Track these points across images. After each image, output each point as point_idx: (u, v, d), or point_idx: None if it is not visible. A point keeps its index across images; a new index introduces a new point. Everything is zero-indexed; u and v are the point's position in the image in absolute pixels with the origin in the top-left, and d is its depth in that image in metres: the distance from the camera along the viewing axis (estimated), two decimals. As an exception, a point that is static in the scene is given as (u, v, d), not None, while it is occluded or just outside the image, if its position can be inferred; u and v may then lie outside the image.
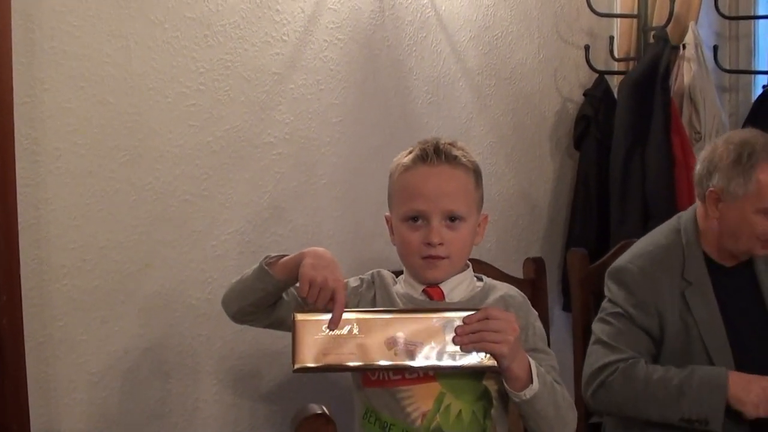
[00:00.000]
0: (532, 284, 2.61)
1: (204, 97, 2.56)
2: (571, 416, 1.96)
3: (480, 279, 2.13)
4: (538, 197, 3.55)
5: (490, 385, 1.95)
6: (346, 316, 1.81)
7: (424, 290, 2.04)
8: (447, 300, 2.02)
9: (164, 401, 2.55)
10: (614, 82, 3.61)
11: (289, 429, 1.58)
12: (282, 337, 2.61)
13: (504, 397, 1.95)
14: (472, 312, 1.82)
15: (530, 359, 1.86)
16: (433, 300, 2.02)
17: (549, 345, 2.50)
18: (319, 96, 2.81)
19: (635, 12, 3.58)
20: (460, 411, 1.92)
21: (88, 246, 2.38)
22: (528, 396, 1.83)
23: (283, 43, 2.71)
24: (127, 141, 2.43)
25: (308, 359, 1.79)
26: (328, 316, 1.80)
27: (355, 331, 1.80)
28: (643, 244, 2.55)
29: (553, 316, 3.30)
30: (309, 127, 2.78)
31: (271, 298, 1.98)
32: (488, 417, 1.95)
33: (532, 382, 1.83)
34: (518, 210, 3.47)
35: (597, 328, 2.46)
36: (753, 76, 3.94)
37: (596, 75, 3.56)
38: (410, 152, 2.04)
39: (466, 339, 1.80)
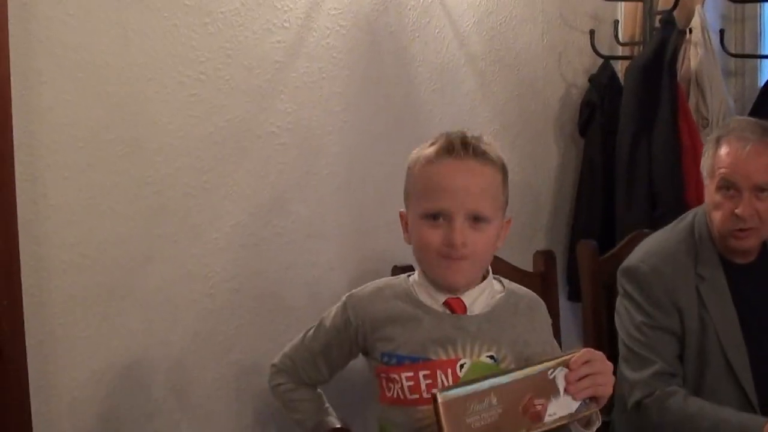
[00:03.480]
0: (542, 277, 2.58)
1: (204, 86, 2.50)
2: None
3: (499, 281, 2.02)
4: (542, 184, 3.52)
5: None
6: (481, 387, 1.66)
7: (445, 302, 1.92)
8: (469, 313, 1.91)
9: (166, 398, 2.50)
10: (619, 67, 3.57)
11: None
12: (284, 332, 2.60)
13: None
14: (571, 356, 1.73)
15: None
16: (455, 314, 1.90)
17: (558, 336, 2.51)
18: (321, 84, 2.76)
19: (640, -5, 3.53)
20: None
21: (88, 241, 2.33)
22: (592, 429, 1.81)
23: (285, 30, 2.65)
24: (126, 133, 2.37)
25: None
26: (471, 390, 1.65)
27: (494, 401, 1.65)
28: (655, 241, 2.51)
29: (559, 306, 3.27)
30: (311, 116, 2.73)
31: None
32: None
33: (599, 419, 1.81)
34: (522, 197, 3.43)
35: (622, 332, 2.44)
36: (759, 60, 3.90)
37: (601, 60, 3.52)
38: (433, 144, 1.91)
39: (579, 387, 1.71)
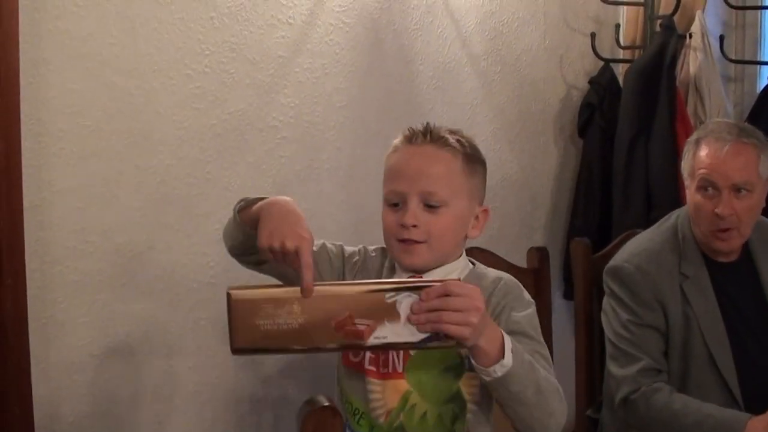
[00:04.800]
0: (536, 273, 2.60)
1: (209, 79, 2.54)
2: (557, 406, 1.73)
3: (472, 263, 2.00)
4: (541, 184, 3.55)
5: (467, 388, 1.87)
6: (285, 293, 1.59)
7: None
8: None
9: (166, 384, 2.55)
10: (620, 70, 3.59)
11: (296, 421, 1.56)
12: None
13: (484, 402, 1.88)
14: (430, 284, 1.57)
15: (506, 335, 1.65)
16: None
17: (551, 333, 2.52)
18: (324, 80, 2.80)
19: (642, 0, 3.56)
20: (425, 413, 1.85)
21: (91, 228, 2.37)
22: (499, 373, 1.62)
23: (289, 26, 2.69)
24: (131, 123, 2.41)
25: (246, 341, 1.59)
26: (267, 293, 1.58)
27: (296, 310, 1.57)
28: (638, 242, 2.55)
29: (554, 304, 3.29)
30: (314, 111, 2.77)
31: (250, 242, 1.76)
32: (459, 421, 1.86)
33: (503, 357, 1.62)
34: (521, 197, 3.46)
35: (608, 330, 2.47)
36: (759, 66, 3.92)
37: (602, 63, 3.54)
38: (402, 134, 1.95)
39: (423, 318, 1.55)
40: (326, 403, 1.49)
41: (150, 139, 2.45)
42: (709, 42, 3.48)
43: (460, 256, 1.97)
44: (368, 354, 1.87)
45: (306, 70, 2.75)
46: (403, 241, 1.86)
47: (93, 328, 2.40)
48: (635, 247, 2.53)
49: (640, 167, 3.35)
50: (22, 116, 2.18)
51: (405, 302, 1.56)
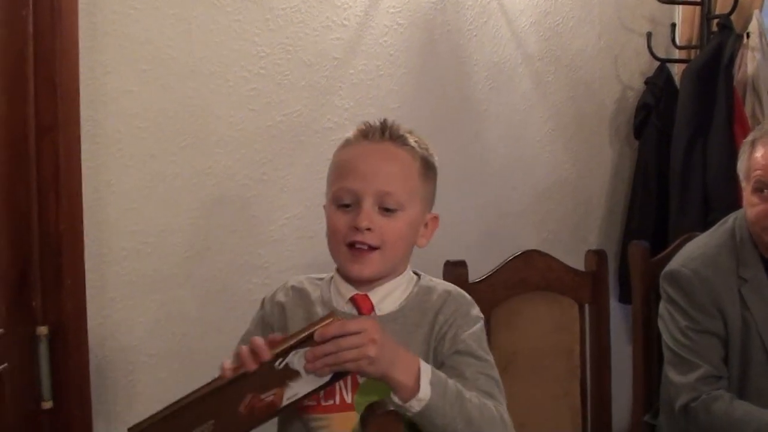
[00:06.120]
0: (594, 276, 2.57)
1: (265, 81, 2.55)
2: None
3: (417, 275, 1.86)
4: (596, 186, 3.52)
5: None
6: (171, 409, 1.49)
7: (351, 298, 1.76)
8: (376, 313, 1.75)
9: (220, 385, 2.55)
10: (676, 70, 3.56)
11: (358, 425, 1.55)
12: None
13: None
14: (308, 334, 1.47)
15: (424, 364, 1.55)
16: (361, 315, 1.74)
17: (608, 337, 2.49)
18: (378, 81, 2.79)
19: (698, -1, 3.52)
20: None
21: (148, 229, 2.39)
22: (416, 408, 1.51)
23: (344, 27, 2.69)
24: (187, 125, 2.43)
25: None
26: (160, 416, 1.48)
27: (202, 414, 1.49)
28: (694, 245, 2.51)
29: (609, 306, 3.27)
30: (368, 112, 2.76)
31: None
32: None
33: (418, 390, 1.52)
34: (576, 199, 3.43)
35: (666, 336, 2.44)
36: (818, 66, 3.85)
37: (657, 63, 3.51)
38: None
39: (319, 364, 1.46)
40: (389, 408, 1.48)
41: (206, 140, 2.46)
42: (766, 42, 3.43)
43: (406, 267, 1.83)
44: None
45: (360, 72, 2.75)
46: (352, 246, 1.72)
47: (149, 328, 2.41)
48: (692, 251, 2.49)
49: (697, 169, 3.30)
50: (80, 118, 2.20)
51: (296, 359, 1.49)
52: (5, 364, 1.94)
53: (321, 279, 1.87)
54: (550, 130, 3.30)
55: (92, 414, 2.24)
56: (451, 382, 1.58)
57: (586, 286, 2.57)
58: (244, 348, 1.48)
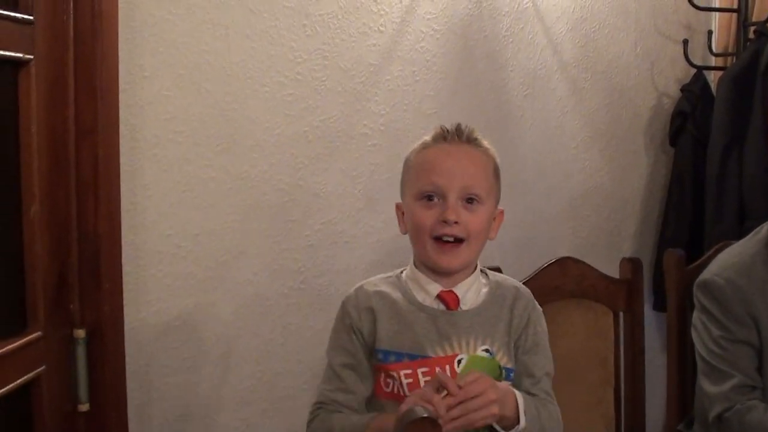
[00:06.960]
0: (629, 284, 2.56)
1: (301, 86, 2.56)
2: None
3: (484, 273, 2.01)
4: (631, 193, 3.50)
5: None
6: None
7: (438, 296, 1.90)
8: (461, 307, 1.90)
9: (254, 388, 2.56)
10: (712, 77, 3.54)
11: (394, 430, 1.56)
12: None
13: None
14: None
15: (518, 394, 1.79)
16: (449, 310, 1.89)
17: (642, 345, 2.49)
18: (414, 87, 2.80)
19: (735, 6, 3.50)
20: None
21: (184, 233, 2.40)
22: None
23: (380, 33, 2.70)
24: (223, 129, 2.44)
25: None
26: None
27: None
28: (728, 254, 2.48)
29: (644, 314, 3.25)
30: (404, 118, 2.77)
31: None
32: None
33: (519, 422, 1.76)
34: (611, 205, 3.42)
35: (699, 346, 2.42)
36: None
37: (694, 70, 3.49)
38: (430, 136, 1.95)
39: (450, 427, 1.62)
40: (426, 414, 1.48)
41: (242, 145, 2.47)
42: (804, 49, 3.40)
43: (477, 263, 1.98)
44: (404, 381, 1.84)
45: (396, 78, 2.75)
46: (438, 240, 1.86)
47: (184, 331, 2.43)
48: (725, 260, 2.47)
49: (733, 177, 3.28)
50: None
51: None
52: (43, 367, 1.95)
53: (388, 277, 2.00)
54: (585, 136, 3.29)
55: (128, 416, 2.25)
56: (532, 404, 1.83)
57: (621, 293, 2.56)
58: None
